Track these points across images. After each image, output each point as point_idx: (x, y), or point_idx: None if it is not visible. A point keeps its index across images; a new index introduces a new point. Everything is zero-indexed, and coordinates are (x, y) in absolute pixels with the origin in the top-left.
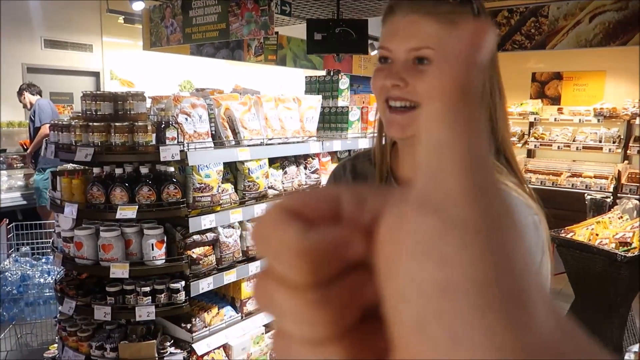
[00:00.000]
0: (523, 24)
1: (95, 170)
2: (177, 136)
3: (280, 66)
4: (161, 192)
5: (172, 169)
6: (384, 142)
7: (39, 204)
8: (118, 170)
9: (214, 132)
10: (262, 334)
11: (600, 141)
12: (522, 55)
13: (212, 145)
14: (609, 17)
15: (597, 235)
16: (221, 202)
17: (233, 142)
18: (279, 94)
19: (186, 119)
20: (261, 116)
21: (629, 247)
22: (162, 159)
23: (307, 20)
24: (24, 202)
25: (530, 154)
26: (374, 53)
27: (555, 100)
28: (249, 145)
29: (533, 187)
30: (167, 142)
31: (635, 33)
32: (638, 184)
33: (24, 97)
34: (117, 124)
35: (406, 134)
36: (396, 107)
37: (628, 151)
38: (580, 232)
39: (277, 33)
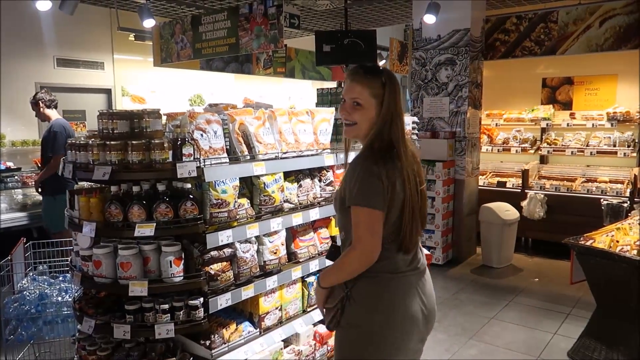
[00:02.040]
0: (532, 30)
1: (113, 188)
2: (194, 152)
3: (289, 78)
4: (178, 208)
5: (189, 185)
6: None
7: (53, 231)
8: (135, 188)
9: (228, 148)
10: (281, 349)
11: (614, 145)
12: (532, 61)
13: (228, 160)
14: (620, 20)
15: (617, 242)
16: (238, 217)
17: (248, 157)
18: (292, 107)
19: (201, 135)
20: (275, 130)
21: None
22: (179, 176)
23: (315, 32)
24: (39, 221)
25: (543, 159)
26: (382, 62)
27: (567, 105)
28: (264, 160)
29: (547, 194)
30: (184, 158)
31: None
32: None
33: (41, 109)
34: (134, 141)
35: (351, 136)
36: (347, 124)
37: None
38: (600, 239)
39: (285, 45)
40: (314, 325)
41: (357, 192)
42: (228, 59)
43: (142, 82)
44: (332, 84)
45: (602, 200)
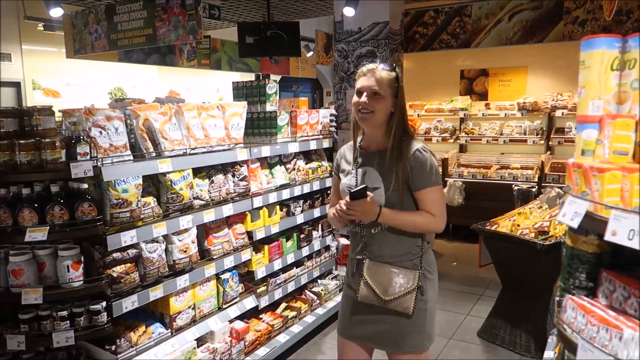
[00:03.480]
0: (449, 23)
1: (1, 191)
2: (90, 151)
3: (216, 70)
4: (75, 210)
5: (85, 185)
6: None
7: None
8: (26, 190)
9: (134, 144)
10: (194, 348)
11: (525, 134)
12: (450, 53)
13: (132, 158)
14: (526, 15)
15: (518, 225)
16: (142, 216)
17: (153, 154)
18: (221, 99)
19: (100, 132)
20: (183, 126)
21: (546, 236)
22: (73, 176)
23: (237, 23)
24: None
25: (462, 148)
26: (310, 54)
27: (483, 96)
28: (170, 156)
29: (465, 181)
30: (79, 157)
31: (551, 30)
32: (560, 173)
33: None
34: (21, 141)
35: (366, 124)
36: (365, 112)
37: (550, 142)
38: (504, 224)
39: (209, 37)
40: (230, 322)
41: (435, 175)
42: (149, 51)
43: (56, 74)
44: (251, 77)
45: (513, 185)
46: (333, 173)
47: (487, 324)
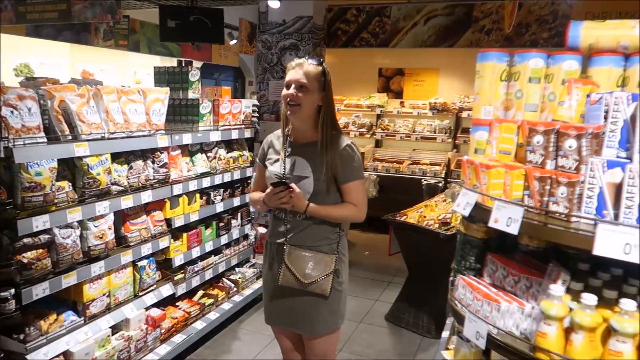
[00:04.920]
0: (369, 22)
1: None
2: (1, 131)
3: (134, 52)
4: None
5: None
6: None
7: None
8: None
9: (48, 126)
10: (108, 336)
11: (435, 132)
12: (370, 51)
13: (46, 140)
14: (440, 20)
15: (424, 217)
16: (57, 201)
17: (69, 137)
18: (138, 82)
19: (12, 112)
20: (102, 109)
21: (449, 227)
22: None
23: (159, 6)
24: None
25: (377, 143)
26: (233, 42)
27: (399, 94)
28: (87, 140)
29: (380, 175)
30: None
31: (461, 36)
32: None
33: None
34: None
35: (295, 117)
36: (292, 104)
37: (457, 141)
38: (412, 215)
39: (128, 17)
40: (147, 309)
41: (360, 170)
42: (61, 27)
43: None
44: (173, 62)
45: (423, 180)
46: (257, 160)
47: (394, 308)
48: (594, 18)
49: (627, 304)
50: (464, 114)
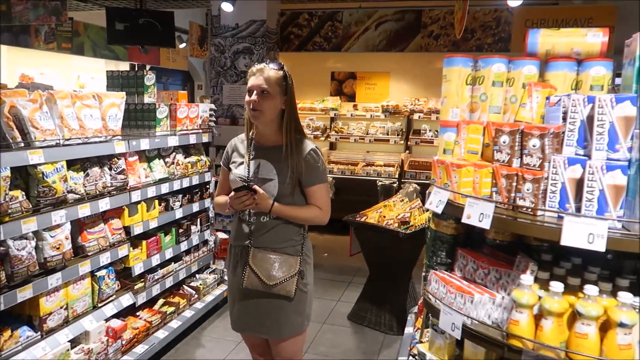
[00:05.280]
0: (322, 27)
1: None
2: None
3: (78, 55)
4: None
5: None
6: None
7: None
8: None
9: None
10: (67, 350)
11: (387, 134)
12: (322, 55)
13: None
14: (391, 26)
15: (384, 217)
16: (10, 211)
17: (22, 144)
18: (82, 86)
19: None
20: (56, 114)
21: (407, 225)
22: None
23: (106, 8)
24: None
25: (332, 146)
26: (182, 46)
27: (352, 97)
28: (41, 147)
29: (335, 177)
30: None
31: (411, 41)
32: (417, 170)
33: None
34: None
35: (258, 122)
36: (255, 109)
37: (409, 142)
38: (372, 216)
39: (71, 19)
40: (107, 320)
41: (322, 173)
42: None
43: None
44: (125, 66)
45: (377, 181)
46: (222, 164)
47: (356, 308)
48: (533, 25)
49: (590, 289)
50: (415, 116)
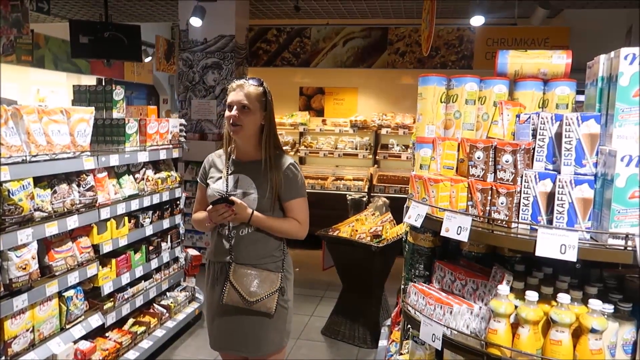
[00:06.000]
0: (290, 42)
1: None
2: None
3: (38, 68)
4: None
5: None
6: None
7: None
8: None
9: None
10: None
11: (356, 148)
12: (290, 71)
13: None
14: (358, 42)
15: (357, 231)
16: None
17: None
18: (42, 100)
19: None
20: (22, 130)
21: (380, 239)
22: None
23: (70, 21)
24: None
25: (302, 161)
26: (148, 60)
27: (320, 112)
28: (7, 164)
29: (306, 192)
30: None
31: (378, 58)
32: (385, 184)
33: None
34: None
35: (238, 136)
36: (235, 124)
37: (377, 157)
38: (344, 230)
39: (32, 31)
40: (75, 342)
41: (301, 187)
42: None
43: None
44: (92, 80)
45: (347, 195)
46: (199, 180)
47: (330, 322)
48: (494, 44)
49: (563, 297)
50: (383, 131)
